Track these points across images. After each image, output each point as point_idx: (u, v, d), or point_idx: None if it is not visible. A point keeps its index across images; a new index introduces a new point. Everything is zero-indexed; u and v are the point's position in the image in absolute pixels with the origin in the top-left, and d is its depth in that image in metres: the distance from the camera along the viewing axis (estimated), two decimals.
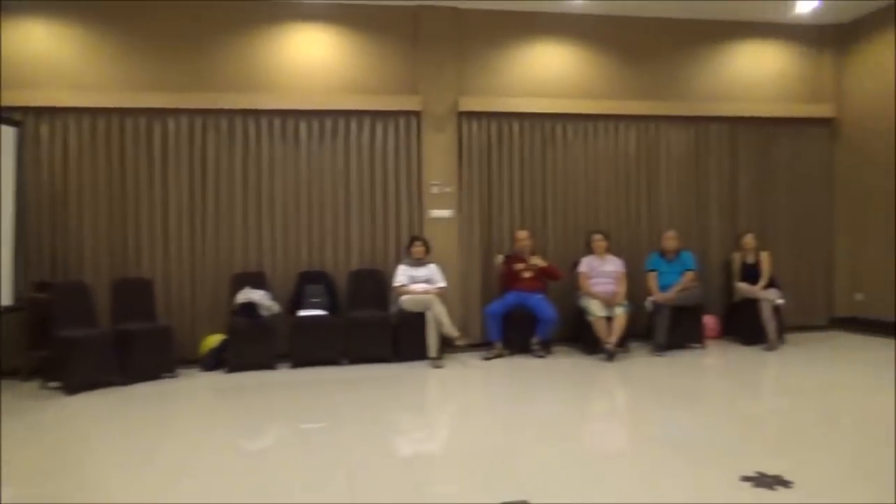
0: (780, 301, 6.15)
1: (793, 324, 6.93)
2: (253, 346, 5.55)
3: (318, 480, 2.91)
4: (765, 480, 2.70)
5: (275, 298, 5.77)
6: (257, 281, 5.88)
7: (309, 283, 6.02)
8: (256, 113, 6.20)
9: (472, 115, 6.56)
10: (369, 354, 5.74)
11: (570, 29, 6.83)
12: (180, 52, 6.12)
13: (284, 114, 6.25)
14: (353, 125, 6.37)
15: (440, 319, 5.55)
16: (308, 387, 4.95)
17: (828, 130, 7.34)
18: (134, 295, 5.61)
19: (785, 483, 2.67)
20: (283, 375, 5.37)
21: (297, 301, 5.90)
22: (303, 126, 6.29)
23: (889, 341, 6.33)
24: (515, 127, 6.67)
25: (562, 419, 3.97)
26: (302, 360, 5.65)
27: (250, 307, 5.56)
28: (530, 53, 6.79)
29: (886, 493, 2.60)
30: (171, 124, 6.04)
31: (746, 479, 2.73)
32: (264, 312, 5.58)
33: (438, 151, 6.53)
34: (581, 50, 6.89)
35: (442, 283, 5.92)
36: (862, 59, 7.17)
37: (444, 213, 6.50)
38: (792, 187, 7.24)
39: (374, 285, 6.20)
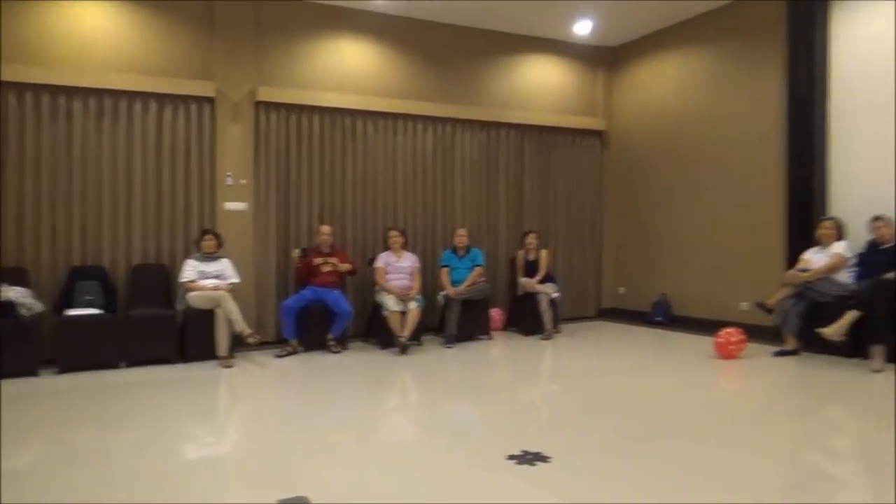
0: (555, 294, 6.77)
1: (567, 315, 7.70)
2: (10, 351, 4.91)
3: (92, 496, 2.67)
4: (526, 458, 2.98)
5: (39, 297, 5.16)
6: (17, 277, 5.21)
7: (81, 279, 5.47)
8: (19, 87, 5.48)
9: (270, 105, 6.38)
10: (152, 356, 5.36)
11: (373, 27, 6.91)
12: None
13: (54, 90, 5.59)
14: (138, 107, 5.88)
15: (231, 317, 5.34)
16: (76, 394, 4.50)
17: (599, 141, 8.22)
18: None
19: (544, 458, 2.97)
20: (48, 383, 4.82)
21: (67, 299, 5.34)
22: (77, 105, 5.67)
23: (644, 329, 7.26)
24: (316, 120, 6.61)
25: (352, 413, 4.02)
26: (71, 364, 5.11)
27: (7, 306, 4.92)
28: (333, 48, 6.77)
29: (633, 462, 2.99)
30: None
31: (512, 457, 2.99)
32: (24, 312, 4.97)
33: (234, 141, 6.27)
34: (384, 49, 7.01)
35: (234, 279, 5.69)
36: (628, 79, 8.13)
37: (239, 205, 6.26)
38: (569, 191, 8.00)
39: (159, 282, 5.79)
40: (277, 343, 6.07)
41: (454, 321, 6.28)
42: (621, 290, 8.22)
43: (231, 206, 6.22)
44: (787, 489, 2.78)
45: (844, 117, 5.82)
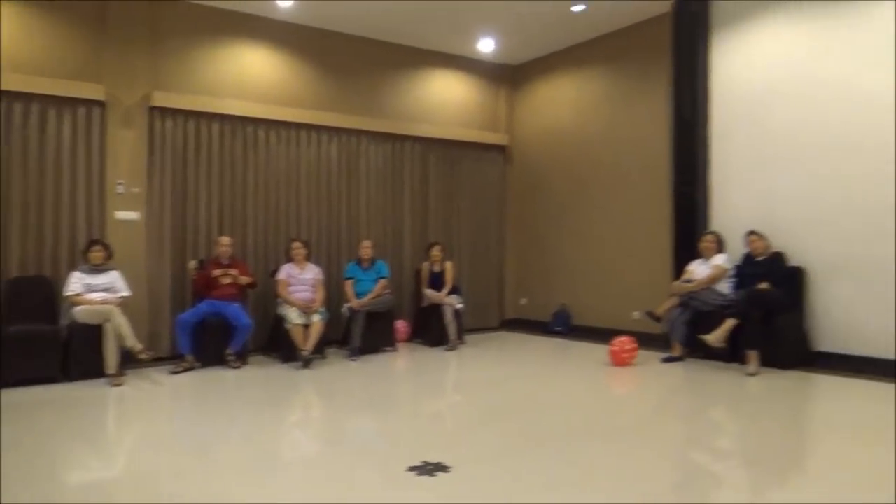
0: (460, 306, 6.88)
1: (471, 326, 7.82)
2: None
3: None
4: (427, 468, 3.01)
5: None
6: None
7: None
8: None
9: (166, 111, 6.14)
10: (32, 375, 4.98)
11: (276, 35, 6.81)
12: None
13: None
14: (18, 109, 5.50)
15: (121, 332, 5.06)
16: None
17: (502, 156, 8.44)
18: None
19: (444, 468, 3.01)
20: None
21: None
22: None
23: (545, 338, 7.49)
24: (215, 128, 6.42)
25: (252, 430, 3.91)
26: None
27: None
28: (234, 54, 6.61)
29: (531, 467, 3.08)
30: None
31: (412, 469, 3.01)
32: None
33: (126, 148, 5.98)
34: (287, 57, 6.91)
35: (125, 292, 5.41)
36: (529, 97, 8.41)
37: (131, 214, 5.97)
38: (473, 204, 8.16)
39: (40, 296, 5.42)
40: (172, 359, 5.81)
41: (359, 334, 6.24)
42: (523, 300, 8.45)
43: (122, 215, 5.93)
44: (675, 487, 2.95)
45: (723, 138, 6.28)
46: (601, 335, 6.73)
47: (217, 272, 5.87)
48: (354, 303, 6.34)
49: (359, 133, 7.30)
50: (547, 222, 8.13)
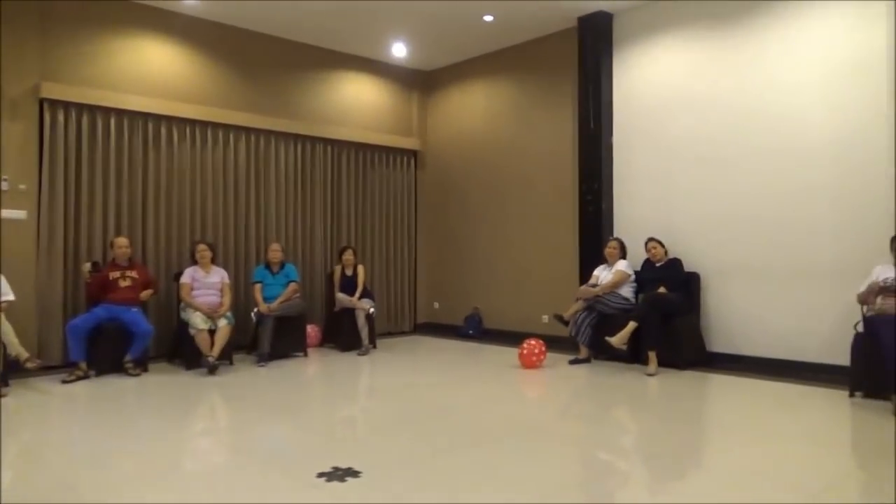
0: (372, 310, 6.83)
1: (384, 330, 7.81)
2: None
3: None
4: (337, 474, 2.97)
5: None
6: None
7: None
8: None
9: (58, 103, 5.78)
10: None
11: (182, 30, 6.54)
12: None
13: None
14: None
15: (5, 339, 4.70)
16: None
17: (414, 161, 8.47)
18: None
19: (355, 474, 2.98)
20: None
21: None
22: None
23: (457, 342, 7.56)
24: (113, 123, 6.09)
25: (153, 441, 3.72)
26: None
27: None
28: (136, 47, 6.30)
29: (441, 471, 3.10)
30: None
31: (322, 475, 2.96)
32: None
33: (11, 141, 5.58)
34: (194, 54, 6.66)
35: (9, 296, 5.02)
36: (441, 103, 8.49)
37: (17, 213, 5.58)
38: (385, 208, 8.14)
39: None
40: (65, 367, 5.45)
41: (267, 339, 6.08)
42: (436, 304, 8.51)
43: (8, 213, 5.52)
44: (579, 485, 3.05)
45: (625, 148, 6.57)
46: (512, 338, 6.87)
47: (115, 274, 5.57)
48: (263, 307, 6.17)
49: (268, 133, 7.12)
50: (459, 227, 8.23)
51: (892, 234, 4.69)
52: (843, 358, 4.78)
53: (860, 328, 4.65)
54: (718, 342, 5.88)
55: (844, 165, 5.18)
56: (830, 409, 4.38)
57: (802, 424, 4.08)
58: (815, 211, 5.33)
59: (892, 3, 4.94)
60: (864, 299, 4.59)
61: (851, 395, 4.60)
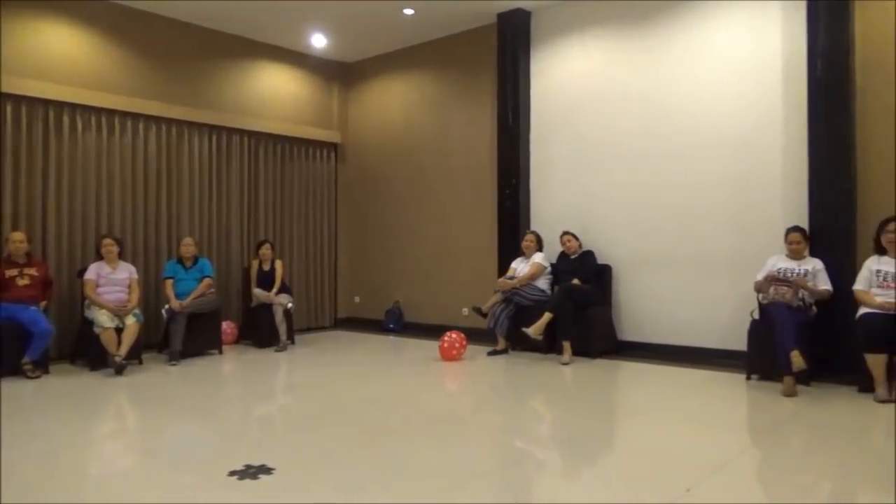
0: (290, 305, 6.71)
1: (303, 326, 7.70)
2: None
3: None
4: (249, 472, 2.92)
5: None
6: None
7: None
8: None
9: None
10: None
11: (86, 13, 6.21)
12: None
13: None
14: None
15: None
16: None
17: (335, 154, 8.37)
18: None
19: (268, 471, 2.93)
20: None
21: None
22: None
23: (378, 336, 7.54)
24: (8, 109, 5.72)
25: (55, 444, 3.53)
26: None
27: None
28: (33, 30, 5.92)
29: (357, 465, 3.09)
30: None
31: (233, 473, 2.90)
32: None
33: None
34: (99, 38, 6.33)
35: None
36: (363, 95, 8.43)
37: None
38: (305, 201, 8.01)
39: None
40: None
41: (179, 336, 5.88)
42: (357, 299, 8.45)
43: None
44: (494, 472, 3.11)
45: (542, 143, 6.73)
46: (433, 331, 6.92)
47: (12, 272, 5.25)
48: (175, 303, 5.95)
49: (181, 123, 6.87)
50: (380, 221, 8.20)
51: (786, 227, 5.02)
52: (741, 344, 5.08)
53: (756, 315, 4.95)
54: (628, 331, 6.13)
55: (743, 162, 5.49)
56: (729, 392, 4.65)
57: (704, 407, 4.32)
58: (717, 205, 5.62)
59: (785, 5, 5.27)
60: (759, 288, 4.89)
61: (748, 379, 4.91)
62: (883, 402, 4.11)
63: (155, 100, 6.65)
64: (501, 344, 6.17)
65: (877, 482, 2.89)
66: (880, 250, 4.50)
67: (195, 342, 6.10)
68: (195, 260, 6.31)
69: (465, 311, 7.01)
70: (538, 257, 6.22)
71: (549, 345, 5.93)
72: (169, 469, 3.10)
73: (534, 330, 5.70)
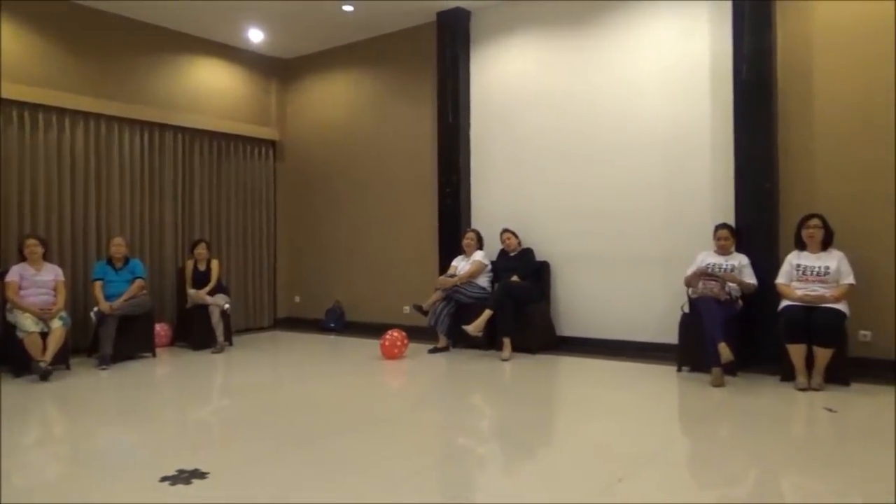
0: (227, 305, 6.57)
1: (241, 326, 7.55)
2: None
3: None
4: (182, 477, 2.84)
5: None
6: None
7: None
8: None
9: None
10: None
11: (8, 3, 5.89)
12: None
13: None
14: None
15: None
16: None
17: (273, 151, 8.23)
18: None
19: (202, 475, 2.87)
20: None
21: None
22: None
23: (319, 336, 7.45)
24: None
25: None
26: None
27: None
28: None
29: (294, 467, 3.05)
30: None
31: (165, 478, 2.82)
32: None
33: None
34: (23, 29, 6.03)
35: None
36: (302, 92, 8.31)
37: None
38: (242, 200, 7.85)
39: None
40: None
41: (110, 339, 5.67)
42: (297, 298, 8.34)
43: None
44: (434, 469, 3.12)
45: (482, 142, 6.79)
46: (374, 330, 6.88)
47: None
48: (104, 306, 5.74)
49: (111, 119, 6.62)
50: (320, 219, 8.11)
51: (714, 224, 5.22)
52: (673, 337, 5.26)
53: (686, 309, 5.13)
54: (567, 326, 6.25)
55: (673, 162, 5.67)
56: (661, 383, 4.80)
57: (638, 398, 4.45)
58: (649, 203, 5.79)
59: (712, 8, 5.47)
60: (689, 283, 5.07)
61: (679, 370, 5.08)
62: (803, 390, 4.33)
63: (82, 94, 6.38)
64: (442, 342, 6.19)
65: (799, 466, 3.05)
66: (801, 245, 4.73)
67: (127, 346, 5.90)
68: (126, 261, 6.09)
69: (407, 309, 7.01)
70: (478, 255, 6.27)
71: (489, 341, 5.99)
72: (97, 477, 2.99)
73: (474, 327, 5.75)
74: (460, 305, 6.14)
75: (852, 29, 4.91)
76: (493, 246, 6.40)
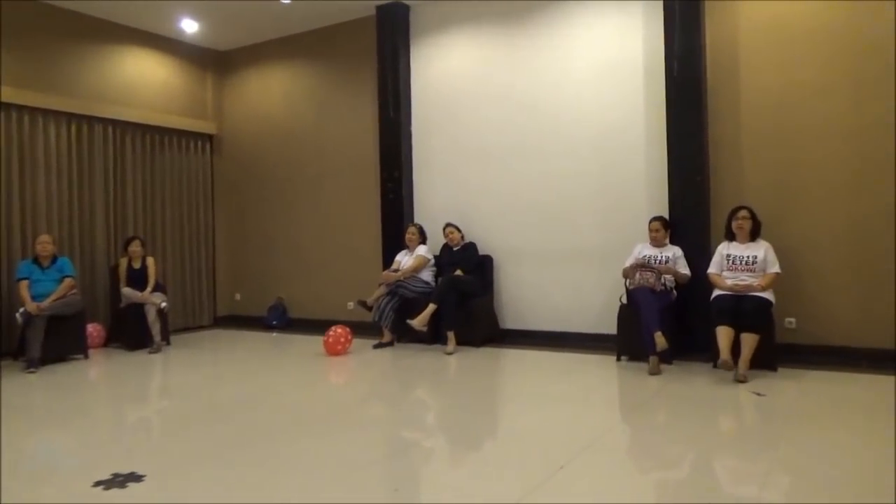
0: (164, 304, 6.38)
1: (180, 325, 7.35)
2: None
3: None
4: (117, 481, 2.75)
5: None
6: None
7: None
8: None
9: None
10: None
11: None
12: None
13: None
14: None
15: None
16: None
17: (210, 145, 8.02)
18: None
19: (138, 478, 2.79)
20: None
21: None
22: None
23: (261, 334, 7.32)
24: None
25: None
26: None
27: None
28: None
29: (235, 467, 2.99)
30: None
31: (99, 483, 2.73)
32: None
33: None
34: None
35: None
36: (239, 85, 8.13)
37: None
38: (178, 195, 7.63)
39: None
40: None
41: (38, 341, 5.42)
42: (237, 296, 8.17)
43: None
44: (379, 463, 3.12)
45: (424, 136, 6.79)
46: (318, 327, 6.80)
47: None
48: (31, 306, 5.49)
49: (34, 111, 6.32)
50: (260, 215, 7.96)
51: (650, 216, 5.37)
52: (612, 327, 5.39)
53: (624, 300, 5.27)
54: (510, 319, 6.33)
55: (608, 157, 5.80)
56: (601, 372, 4.92)
57: (578, 388, 4.55)
58: (586, 197, 5.91)
59: (646, 7, 5.61)
60: (626, 274, 5.21)
61: (618, 360, 5.22)
62: (728, 370, 4.43)
63: (4, 84, 6.07)
64: (387, 337, 6.18)
65: (732, 449, 3.18)
66: (730, 236, 4.92)
67: (56, 347, 5.66)
68: (54, 259, 5.84)
69: (350, 304, 6.96)
70: (421, 250, 6.28)
71: (433, 336, 6.01)
72: (27, 483, 2.86)
73: (418, 321, 5.76)
74: (404, 300, 6.14)
75: (775, 29, 5.13)
76: (437, 240, 6.42)
